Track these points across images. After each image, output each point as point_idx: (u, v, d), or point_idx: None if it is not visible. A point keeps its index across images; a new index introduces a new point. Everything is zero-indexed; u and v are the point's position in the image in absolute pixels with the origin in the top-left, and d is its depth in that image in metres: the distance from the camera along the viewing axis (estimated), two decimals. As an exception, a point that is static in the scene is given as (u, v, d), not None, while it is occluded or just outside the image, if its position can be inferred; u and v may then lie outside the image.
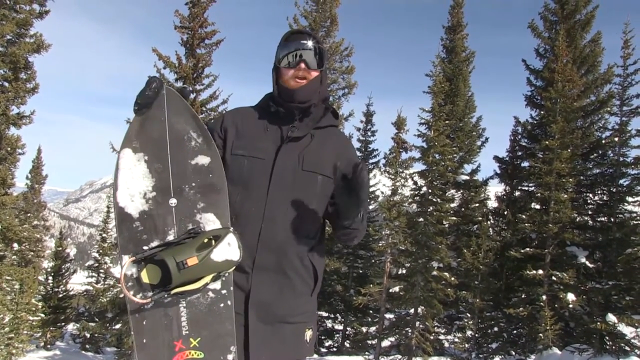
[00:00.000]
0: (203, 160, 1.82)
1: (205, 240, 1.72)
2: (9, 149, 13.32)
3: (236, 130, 1.98)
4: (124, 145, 1.80)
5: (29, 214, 24.55)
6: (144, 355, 1.76)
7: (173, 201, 1.80)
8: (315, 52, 1.99)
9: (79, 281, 25.55)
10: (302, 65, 1.96)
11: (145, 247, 1.76)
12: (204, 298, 1.79)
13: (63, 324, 22.56)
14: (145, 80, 1.80)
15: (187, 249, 1.67)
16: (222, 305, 1.80)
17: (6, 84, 12.99)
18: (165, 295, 1.71)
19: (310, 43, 1.99)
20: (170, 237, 1.78)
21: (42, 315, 20.51)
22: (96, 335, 20.48)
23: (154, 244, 1.77)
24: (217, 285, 1.79)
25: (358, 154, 2.21)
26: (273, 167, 1.89)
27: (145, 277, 1.73)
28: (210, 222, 1.80)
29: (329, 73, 18.33)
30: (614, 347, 12.67)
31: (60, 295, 22.66)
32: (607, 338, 12.88)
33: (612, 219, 14.09)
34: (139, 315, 1.76)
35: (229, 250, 1.71)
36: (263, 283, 1.86)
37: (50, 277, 22.80)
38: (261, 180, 1.88)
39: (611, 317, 12.40)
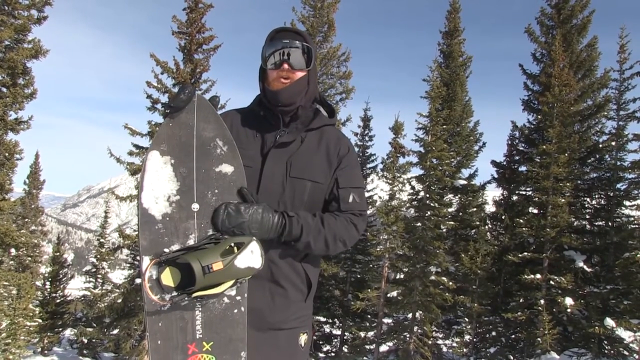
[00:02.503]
0: (227, 168, 1.85)
1: (228, 247, 1.73)
2: (6, 154, 13.30)
3: None
4: (152, 147, 1.83)
5: (26, 219, 24.51)
6: (157, 357, 1.78)
7: (195, 206, 1.81)
8: (303, 51, 1.91)
9: (76, 286, 25.54)
10: (285, 65, 1.88)
11: (165, 250, 1.77)
12: (219, 303, 1.81)
13: (60, 329, 22.52)
14: (180, 87, 1.85)
15: (212, 254, 1.69)
16: (235, 311, 1.82)
17: (4, 90, 12.99)
18: (185, 298, 1.73)
19: (296, 42, 1.90)
20: (191, 242, 1.79)
21: (40, 320, 20.42)
22: (94, 340, 20.42)
23: (175, 247, 1.78)
24: (232, 291, 1.81)
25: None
26: (260, 176, 1.88)
27: (164, 280, 1.74)
28: None
29: (326, 78, 18.37)
30: (612, 352, 12.71)
31: (58, 301, 22.63)
32: (606, 342, 12.92)
33: (610, 223, 14.15)
34: (155, 317, 1.78)
35: (251, 257, 1.73)
36: (255, 291, 1.86)
37: (48, 283, 22.76)
38: (250, 189, 1.85)
39: (609, 322, 12.42)
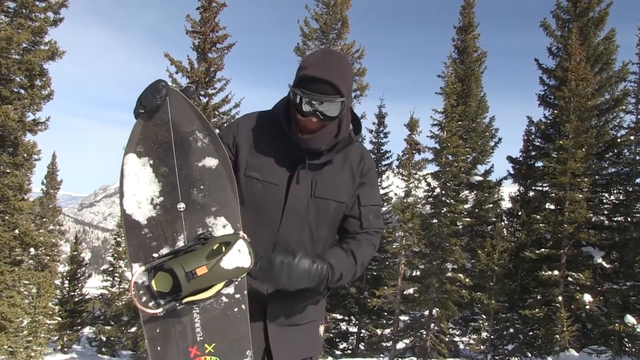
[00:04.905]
0: (211, 162, 1.77)
1: (215, 247, 1.67)
2: (25, 155, 13.45)
3: (249, 147, 1.85)
4: (127, 151, 1.75)
5: (44, 219, 24.83)
6: None
7: (181, 206, 1.74)
8: (338, 106, 1.72)
9: (94, 285, 25.81)
10: (314, 119, 1.72)
11: (155, 255, 1.71)
12: (217, 303, 1.76)
13: (79, 327, 22.84)
14: (151, 84, 1.72)
15: (196, 258, 1.62)
16: (236, 309, 1.77)
17: (22, 91, 13.14)
18: (177, 305, 1.68)
19: (333, 99, 1.70)
20: (180, 243, 1.73)
21: (59, 318, 20.73)
22: (112, 338, 20.67)
23: (164, 250, 1.72)
24: (230, 289, 1.76)
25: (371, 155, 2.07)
26: (287, 196, 1.81)
27: (156, 285, 1.68)
28: (220, 225, 1.75)
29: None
30: (633, 349, 12.51)
31: (76, 299, 22.95)
32: (626, 340, 12.73)
33: (629, 219, 13.92)
34: (152, 323, 1.73)
35: (239, 257, 1.67)
36: (279, 297, 1.87)
37: (66, 281, 23.10)
38: (274, 208, 1.82)
39: (630, 319, 12.24)
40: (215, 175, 1.76)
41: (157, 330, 1.74)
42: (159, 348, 1.74)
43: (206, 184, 1.76)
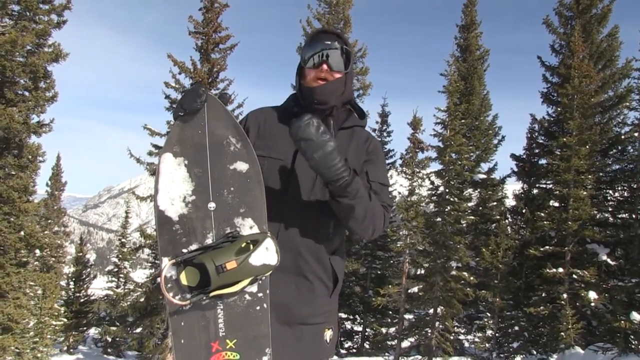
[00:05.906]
0: (242, 166, 1.83)
1: (243, 245, 1.73)
2: (30, 157, 13.49)
3: (258, 130, 1.98)
4: (165, 150, 1.84)
5: (49, 221, 24.87)
6: (181, 356, 1.79)
7: (212, 205, 1.81)
8: (342, 53, 1.96)
9: (99, 286, 25.92)
10: (324, 66, 1.93)
11: (184, 250, 1.78)
12: (240, 300, 1.81)
13: (85, 328, 22.93)
14: (191, 88, 1.81)
15: (226, 253, 1.69)
16: (258, 307, 1.82)
17: (26, 94, 13.17)
18: (204, 298, 1.73)
19: (336, 44, 1.95)
20: (209, 241, 1.80)
21: (65, 319, 20.81)
22: (117, 339, 20.76)
23: (193, 247, 1.79)
24: (253, 288, 1.81)
25: None
26: (292, 171, 1.88)
27: (184, 279, 1.75)
28: (248, 226, 1.82)
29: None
30: (639, 347, 12.48)
31: (82, 300, 23.02)
32: (632, 337, 12.69)
33: (634, 216, 13.88)
34: (177, 316, 1.79)
35: (266, 254, 1.73)
36: (281, 284, 1.86)
37: (72, 282, 23.18)
38: (280, 182, 1.88)
39: (635, 316, 12.20)
40: (245, 179, 1.84)
41: (182, 324, 1.79)
42: (182, 341, 1.79)
43: (236, 187, 1.83)
